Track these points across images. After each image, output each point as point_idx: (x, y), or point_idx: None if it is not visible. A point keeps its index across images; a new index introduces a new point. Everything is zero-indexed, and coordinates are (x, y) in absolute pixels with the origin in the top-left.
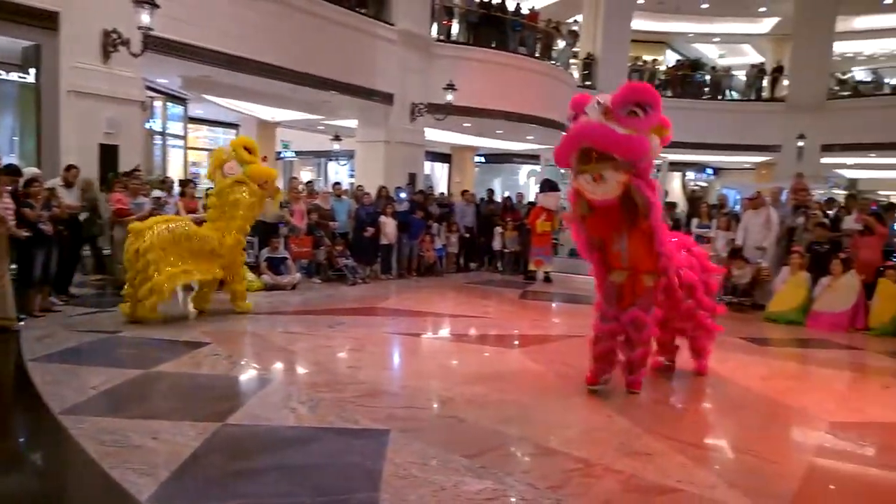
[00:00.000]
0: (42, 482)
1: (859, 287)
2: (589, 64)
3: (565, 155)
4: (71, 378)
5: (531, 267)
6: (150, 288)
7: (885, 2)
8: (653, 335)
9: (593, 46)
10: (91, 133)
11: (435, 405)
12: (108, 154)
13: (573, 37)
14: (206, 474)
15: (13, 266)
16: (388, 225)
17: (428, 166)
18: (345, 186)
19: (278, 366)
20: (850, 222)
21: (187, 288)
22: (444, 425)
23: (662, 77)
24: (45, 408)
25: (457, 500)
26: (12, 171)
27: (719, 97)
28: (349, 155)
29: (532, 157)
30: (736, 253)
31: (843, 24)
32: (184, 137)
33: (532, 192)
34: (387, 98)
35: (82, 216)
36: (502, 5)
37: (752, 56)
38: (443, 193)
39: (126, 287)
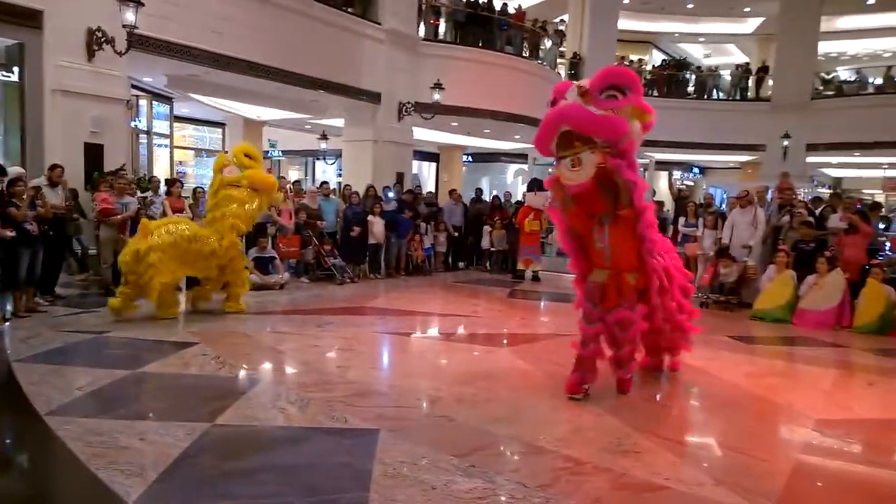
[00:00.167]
0: (28, 484)
1: (844, 285)
2: (575, 63)
3: (545, 140)
4: (57, 379)
5: (520, 266)
6: (149, 288)
7: (868, 2)
8: (641, 328)
9: (580, 46)
10: (76, 132)
11: (424, 404)
12: (94, 153)
13: (560, 36)
14: (194, 475)
15: None
16: (377, 224)
17: (416, 165)
18: (332, 186)
19: (267, 366)
20: (835, 221)
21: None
22: (433, 425)
23: (648, 77)
24: (30, 409)
25: (447, 500)
26: None
27: (705, 97)
28: (337, 154)
29: (520, 157)
30: (723, 251)
31: (827, 24)
32: (170, 136)
33: (520, 191)
34: (374, 97)
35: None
36: (489, 5)
37: (737, 56)
38: (430, 193)
39: (121, 286)
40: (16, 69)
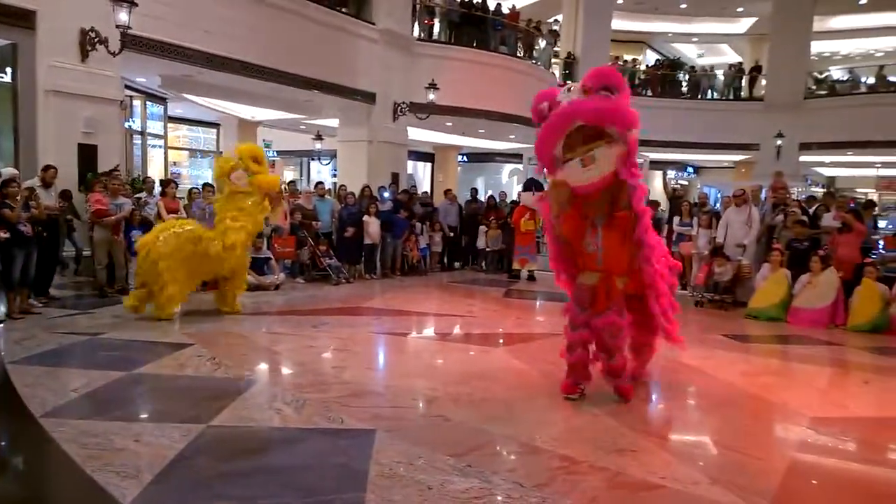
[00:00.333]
0: (23, 486)
1: (838, 284)
2: (570, 63)
3: (553, 141)
4: (51, 381)
5: (515, 266)
6: (170, 296)
7: (861, 2)
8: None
9: (574, 46)
10: (69, 133)
11: (420, 404)
12: (87, 154)
13: (554, 36)
14: (190, 476)
15: None
16: (372, 224)
17: (411, 166)
18: (328, 186)
19: (263, 367)
20: (829, 220)
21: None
22: (429, 424)
23: (642, 77)
24: (25, 411)
25: (443, 500)
26: None
27: (699, 97)
28: (332, 154)
29: (514, 157)
30: (717, 251)
31: (819, 23)
32: (164, 137)
33: (515, 191)
34: (369, 97)
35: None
36: (483, 5)
37: (730, 56)
38: (426, 193)
39: (136, 287)
40: (8, 70)
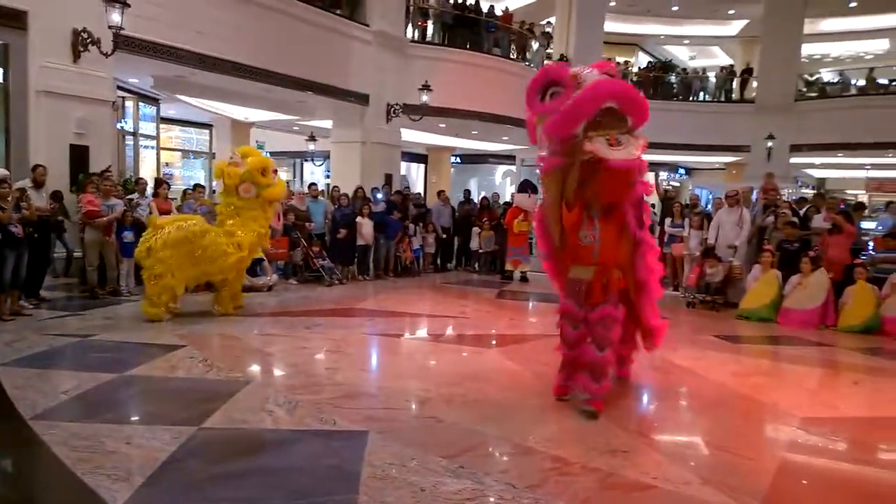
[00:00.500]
0: (13, 490)
1: (828, 285)
2: None
3: (586, 115)
4: (42, 383)
5: (508, 267)
6: (163, 286)
7: (851, 5)
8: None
9: (566, 48)
10: (61, 133)
11: (413, 406)
12: (79, 155)
13: (547, 38)
14: (181, 479)
15: None
16: (365, 226)
17: (404, 167)
18: (321, 187)
19: (255, 368)
20: (819, 221)
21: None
22: (422, 426)
23: (634, 78)
24: (15, 413)
25: (435, 501)
26: None
27: (691, 98)
28: (325, 155)
29: (508, 158)
30: (709, 252)
31: (810, 26)
32: (156, 138)
33: (508, 192)
34: (362, 99)
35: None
36: (476, 7)
37: (721, 58)
38: (419, 194)
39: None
40: (0, 70)
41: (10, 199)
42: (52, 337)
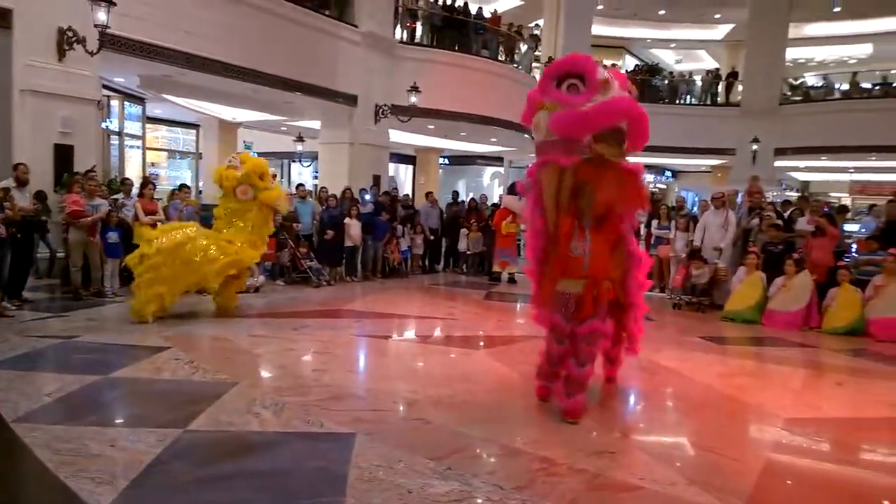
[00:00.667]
0: None
1: (812, 287)
2: None
3: (594, 127)
4: (24, 385)
5: (495, 268)
6: (155, 295)
7: (835, 10)
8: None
9: (554, 51)
10: (45, 133)
11: (401, 407)
12: (63, 154)
13: (535, 41)
14: (166, 482)
15: None
16: (353, 226)
17: (392, 168)
18: (308, 188)
19: (242, 370)
20: (803, 224)
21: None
22: (410, 428)
23: None
24: None
25: (423, 503)
26: None
27: (677, 101)
28: (313, 156)
29: (496, 160)
30: (695, 253)
31: (794, 30)
32: (142, 137)
33: (496, 193)
34: (350, 99)
35: None
36: (465, 9)
37: (707, 62)
38: (407, 195)
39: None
40: None
41: None
42: (35, 338)
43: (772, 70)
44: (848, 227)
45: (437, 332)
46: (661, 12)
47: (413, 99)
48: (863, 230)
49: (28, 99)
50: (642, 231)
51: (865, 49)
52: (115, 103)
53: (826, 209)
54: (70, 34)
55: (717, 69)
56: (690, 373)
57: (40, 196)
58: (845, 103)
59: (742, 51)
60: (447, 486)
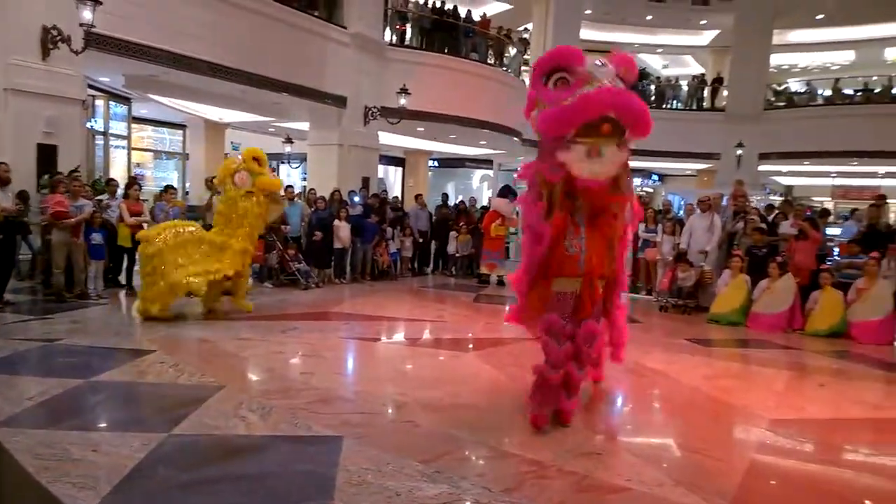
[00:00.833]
0: None
1: (795, 289)
2: None
3: (581, 122)
4: (6, 389)
5: (482, 270)
6: (171, 286)
7: (818, 17)
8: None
9: (543, 54)
10: (29, 133)
11: (389, 410)
12: (47, 154)
13: (524, 44)
14: (150, 487)
15: None
16: (342, 229)
17: (382, 170)
18: (297, 190)
19: (228, 373)
20: (787, 227)
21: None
22: (398, 430)
23: None
24: None
25: None
26: None
27: (664, 106)
28: (301, 158)
29: (485, 162)
30: (681, 256)
31: (779, 37)
32: (127, 138)
33: (485, 196)
34: (339, 101)
35: None
36: (455, 12)
37: (693, 67)
38: (396, 197)
39: (143, 288)
40: None
41: None
42: (17, 341)
43: (756, 76)
44: (830, 231)
45: (426, 335)
46: (649, 18)
47: (402, 101)
48: (844, 234)
49: (11, 98)
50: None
51: (848, 56)
52: (100, 103)
53: (809, 213)
54: (55, 33)
55: (703, 74)
56: (677, 375)
57: (23, 196)
58: (828, 109)
59: (727, 57)
60: (436, 489)
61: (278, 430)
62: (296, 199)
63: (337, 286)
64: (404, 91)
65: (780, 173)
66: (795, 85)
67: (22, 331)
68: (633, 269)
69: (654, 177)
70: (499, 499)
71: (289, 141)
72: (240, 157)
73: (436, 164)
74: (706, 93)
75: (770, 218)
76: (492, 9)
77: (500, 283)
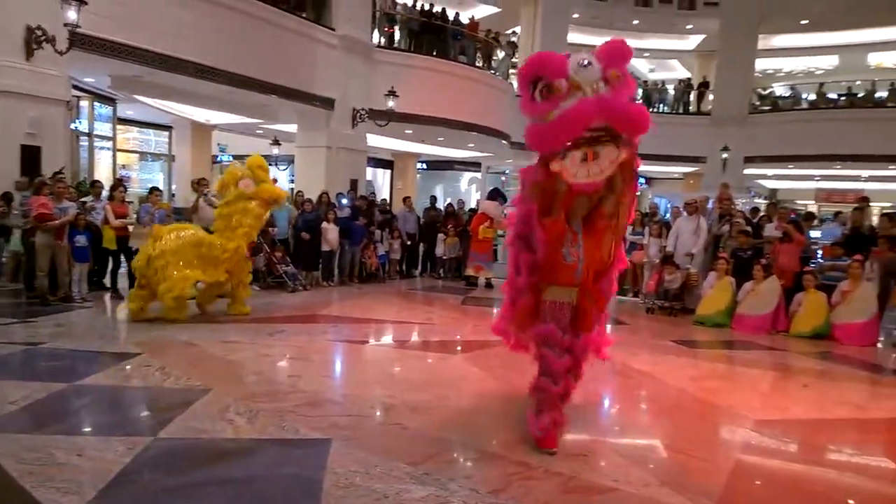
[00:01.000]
0: None
1: (780, 291)
2: None
3: (561, 139)
4: None
5: (469, 272)
6: (168, 287)
7: (802, 22)
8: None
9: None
10: (12, 134)
11: (377, 413)
12: (30, 156)
13: (512, 48)
14: (136, 491)
15: None
16: (330, 231)
17: (370, 172)
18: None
19: (215, 376)
20: (771, 230)
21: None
22: (386, 433)
23: None
24: None
25: None
26: None
27: (650, 110)
28: (289, 160)
29: (474, 165)
30: (667, 259)
31: (764, 42)
32: (112, 139)
33: (473, 198)
34: (327, 103)
35: None
36: (443, 14)
37: (679, 71)
38: (384, 200)
39: (135, 288)
40: None
41: None
42: None
43: (742, 80)
44: (814, 234)
45: (414, 337)
46: (635, 22)
47: (391, 103)
48: (828, 237)
49: None
50: None
51: (832, 60)
52: (84, 104)
53: (793, 216)
54: (39, 33)
55: (689, 79)
56: (663, 376)
57: (6, 198)
58: (812, 113)
59: (713, 61)
60: (424, 491)
61: (265, 433)
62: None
63: (325, 289)
64: (392, 93)
65: (764, 177)
66: (780, 89)
67: (5, 334)
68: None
69: (641, 180)
70: (486, 500)
71: (276, 143)
72: (233, 162)
73: (424, 166)
74: (692, 97)
75: (755, 221)
76: (480, 12)
77: (488, 285)
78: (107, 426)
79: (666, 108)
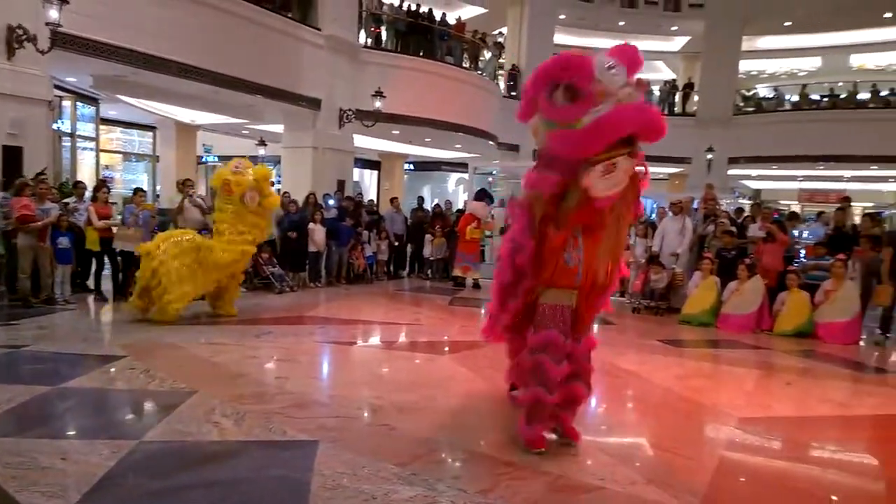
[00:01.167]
0: None
1: (763, 290)
2: (514, 75)
3: (597, 147)
4: None
5: (456, 272)
6: (170, 300)
7: (786, 24)
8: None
9: (518, 58)
10: None
11: (365, 414)
12: (12, 156)
13: (499, 48)
14: (121, 495)
15: None
16: (317, 232)
17: (357, 173)
18: None
19: (200, 378)
20: (755, 230)
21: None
22: (374, 434)
23: None
24: None
25: None
26: None
27: None
28: (275, 161)
29: (461, 166)
30: (653, 259)
31: (748, 43)
32: (95, 139)
33: (461, 199)
34: (314, 103)
35: None
36: (430, 15)
37: (664, 72)
38: (372, 201)
39: (137, 290)
40: None
41: None
42: None
43: (726, 81)
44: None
45: (402, 338)
46: (621, 23)
47: (377, 104)
48: (810, 237)
49: None
50: None
51: (814, 62)
52: (67, 104)
53: (777, 216)
54: (20, 32)
55: (674, 80)
56: (649, 375)
57: None
58: (795, 114)
59: (698, 62)
60: (412, 492)
61: (252, 435)
62: None
63: (312, 290)
64: (379, 94)
65: (748, 177)
66: (764, 90)
67: None
68: None
69: None
70: (474, 500)
71: (262, 143)
72: (241, 167)
73: (411, 167)
74: (677, 98)
75: (739, 221)
76: (467, 12)
77: (476, 285)
78: (91, 429)
79: None
